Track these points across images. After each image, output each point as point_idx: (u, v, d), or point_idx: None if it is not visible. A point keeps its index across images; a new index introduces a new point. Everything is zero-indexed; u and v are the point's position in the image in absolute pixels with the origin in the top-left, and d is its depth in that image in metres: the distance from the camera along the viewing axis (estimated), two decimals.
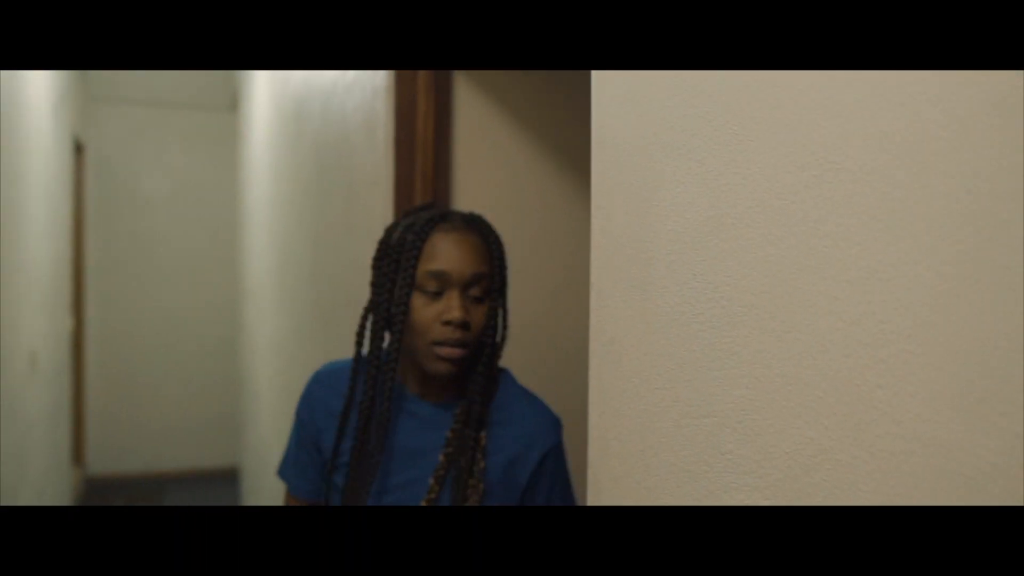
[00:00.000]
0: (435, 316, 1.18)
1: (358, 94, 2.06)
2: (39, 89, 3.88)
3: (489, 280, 1.22)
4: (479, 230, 1.25)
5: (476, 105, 1.79)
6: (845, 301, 0.57)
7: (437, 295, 1.19)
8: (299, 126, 3.07)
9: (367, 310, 1.28)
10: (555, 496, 1.29)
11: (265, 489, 3.82)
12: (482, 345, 1.24)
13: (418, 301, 1.19)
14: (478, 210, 1.85)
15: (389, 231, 1.26)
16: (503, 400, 1.30)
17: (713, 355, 0.71)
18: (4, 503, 2.94)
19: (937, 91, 0.50)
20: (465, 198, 1.80)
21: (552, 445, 1.29)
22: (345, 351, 2.25)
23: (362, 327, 1.28)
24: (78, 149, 5.52)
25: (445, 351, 1.18)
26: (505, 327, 1.28)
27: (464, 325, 1.19)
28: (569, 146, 1.89)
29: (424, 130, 1.73)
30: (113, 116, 6.06)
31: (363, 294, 2.05)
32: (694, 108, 0.73)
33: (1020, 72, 0.45)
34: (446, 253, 1.19)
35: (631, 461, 0.84)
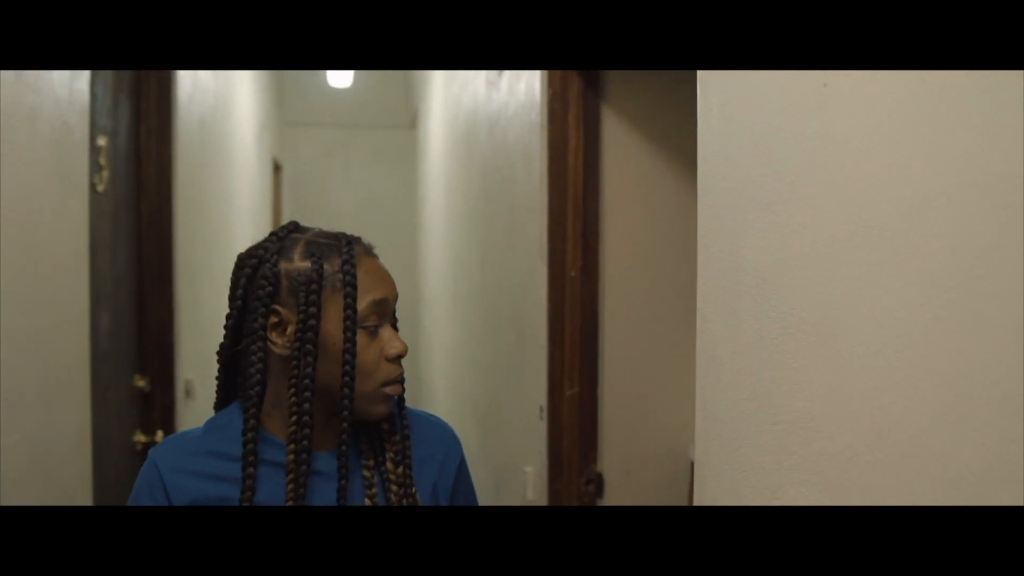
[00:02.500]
0: (379, 353, 1.04)
1: (517, 127, 2.28)
2: (246, 119, 4.40)
3: None
4: (374, 252, 1.11)
5: (622, 138, 1.97)
6: (870, 334, 0.72)
7: (375, 330, 1.04)
8: (469, 149, 3.35)
9: (258, 360, 1.03)
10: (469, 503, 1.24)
11: None
12: None
13: (360, 340, 1.02)
14: (625, 236, 2.03)
15: (258, 258, 1.04)
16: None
17: (782, 373, 0.86)
18: None
19: (933, 173, 0.65)
20: (613, 226, 1.98)
21: (460, 458, 1.21)
22: (507, 366, 2.48)
23: (258, 383, 1.03)
24: (276, 168, 6.12)
25: (396, 388, 1.06)
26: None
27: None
28: None
29: (575, 163, 1.93)
30: (305, 138, 6.66)
31: (522, 314, 2.28)
32: (772, 168, 0.88)
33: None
34: (384, 279, 1.06)
35: (726, 459, 1.00)
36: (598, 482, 2.01)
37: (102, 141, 2.09)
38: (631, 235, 1.97)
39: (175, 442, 1.08)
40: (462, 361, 3.57)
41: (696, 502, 1.12)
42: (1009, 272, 0.58)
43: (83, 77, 1.72)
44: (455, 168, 3.85)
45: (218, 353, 1.09)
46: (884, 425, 0.71)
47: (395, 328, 1.08)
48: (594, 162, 1.96)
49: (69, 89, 1.63)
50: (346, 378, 1.01)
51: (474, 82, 3.14)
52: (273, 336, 1.03)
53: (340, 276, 1.01)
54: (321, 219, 5.63)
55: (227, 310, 1.05)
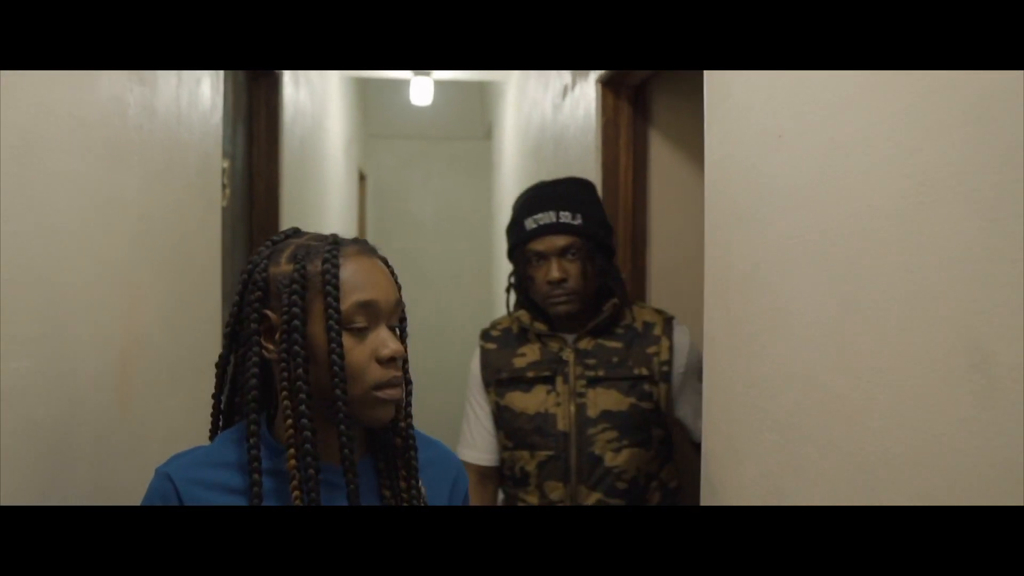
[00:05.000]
0: (369, 355, 1.01)
1: (576, 148, 2.61)
2: (336, 134, 4.82)
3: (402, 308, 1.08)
4: (377, 253, 1.09)
5: (667, 158, 2.27)
6: (811, 316, 1.02)
7: (364, 332, 1.01)
8: (537, 163, 3.67)
9: (253, 365, 1.03)
10: None
11: None
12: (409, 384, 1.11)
13: (347, 342, 0.99)
14: (669, 242, 2.33)
15: (260, 264, 1.05)
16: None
17: (753, 347, 1.16)
18: None
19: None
20: (658, 233, 2.28)
21: (467, 486, 1.22)
22: None
23: (254, 388, 1.03)
24: (361, 178, 6.55)
25: (388, 393, 1.02)
26: (406, 361, 1.10)
27: (404, 359, 1.05)
28: None
29: (625, 180, 2.24)
30: (387, 149, 7.11)
31: None
32: (747, 194, 1.18)
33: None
34: (373, 280, 1.03)
35: (720, 407, 1.30)
36: None
37: (225, 164, 2.47)
38: (674, 241, 2.26)
39: (186, 457, 1.05)
40: None
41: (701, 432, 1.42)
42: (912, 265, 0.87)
43: (217, 114, 2.10)
44: (526, 180, 4.18)
45: (217, 364, 1.09)
46: (816, 387, 1.00)
47: (398, 332, 1.06)
48: (642, 179, 2.27)
49: (207, 123, 2.01)
50: (335, 380, 0.98)
51: (542, 103, 3.46)
52: (264, 341, 1.03)
53: (322, 277, 1.00)
54: (401, 227, 6.07)
55: None
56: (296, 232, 1.09)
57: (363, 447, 1.10)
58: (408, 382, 1.10)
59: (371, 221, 6.98)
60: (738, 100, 1.22)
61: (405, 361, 1.08)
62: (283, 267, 1.03)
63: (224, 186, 2.47)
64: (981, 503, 0.72)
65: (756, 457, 1.17)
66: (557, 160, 3.06)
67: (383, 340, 1.02)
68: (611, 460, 1.80)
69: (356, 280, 1.01)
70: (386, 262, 1.08)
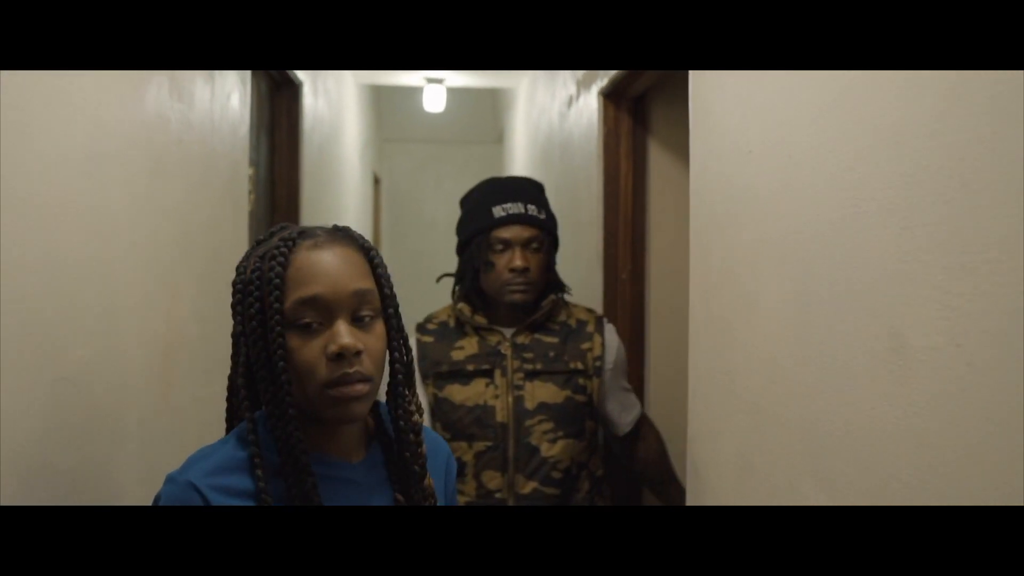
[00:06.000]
0: (319, 353, 0.95)
1: (580, 155, 2.76)
2: (352, 139, 4.98)
3: (380, 299, 1.01)
4: (350, 240, 1.03)
5: (665, 166, 2.42)
6: (769, 310, 1.16)
7: (316, 328, 0.96)
8: (545, 168, 3.82)
9: (235, 372, 1.03)
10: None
11: None
12: (393, 375, 1.05)
13: (294, 340, 0.95)
14: (666, 246, 2.47)
15: (241, 266, 1.03)
16: None
17: (726, 337, 1.31)
18: None
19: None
20: (656, 238, 2.42)
21: (455, 471, 1.23)
22: None
23: (237, 394, 1.02)
24: (376, 182, 6.72)
25: (340, 391, 0.95)
26: (408, 351, 1.06)
27: (358, 354, 0.96)
28: None
29: (625, 187, 2.39)
30: (401, 153, 7.29)
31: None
32: (722, 203, 1.33)
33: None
34: (318, 274, 0.97)
35: (704, 383, 1.44)
36: None
37: (250, 171, 2.64)
38: (671, 245, 2.41)
39: (201, 463, 0.99)
40: None
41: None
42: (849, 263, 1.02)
43: (245, 125, 2.26)
44: None
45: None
46: (778, 372, 1.15)
47: (361, 324, 0.98)
48: (641, 185, 2.41)
49: (236, 135, 2.17)
50: (279, 381, 0.95)
51: (550, 111, 3.61)
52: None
53: (266, 276, 0.97)
54: (415, 228, 6.28)
55: None
56: (282, 228, 1.05)
57: (364, 440, 1.08)
58: (398, 373, 1.04)
59: (386, 222, 7.15)
60: (717, 119, 1.37)
61: (399, 351, 1.04)
62: (242, 267, 1.03)
63: (250, 192, 2.63)
64: (897, 462, 0.86)
65: (731, 436, 1.31)
66: (564, 165, 3.21)
67: (333, 335, 0.96)
68: (547, 451, 1.88)
69: (300, 276, 0.97)
70: (366, 249, 1.03)
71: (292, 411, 0.96)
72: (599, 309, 2.49)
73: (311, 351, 0.95)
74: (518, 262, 1.88)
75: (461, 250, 2.02)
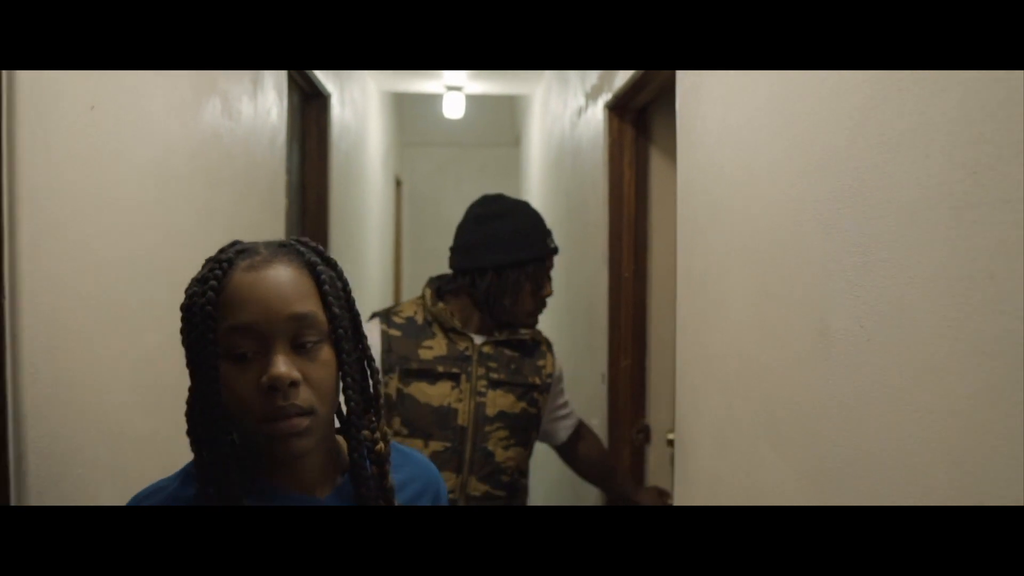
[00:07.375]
0: (253, 384, 0.87)
1: (588, 162, 2.97)
2: (375, 144, 5.21)
3: (327, 321, 0.92)
4: (294, 257, 0.93)
5: (666, 173, 2.62)
6: (739, 304, 1.37)
7: (252, 358, 0.87)
8: (558, 173, 4.03)
9: (188, 402, 0.94)
10: None
11: None
12: (347, 402, 0.95)
13: (229, 371, 0.87)
14: (667, 247, 2.66)
15: (187, 289, 0.93)
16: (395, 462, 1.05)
17: (704, 331, 1.51)
18: None
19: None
20: (658, 239, 2.63)
21: (446, 496, 1.14)
22: (582, 345, 3.14)
23: (195, 421, 0.92)
24: (397, 184, 6.95)
25: (279, 426, 0.87)
26: (375, 374, 0.99)
27: (294, 384, 0.87)
28: None
29: (628, 192, 2.59)
30: (421, 157, 7.53)
31: (591, 306, 2.95)
32: (700, 211, 1.53)
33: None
34: (249, 299, 0.88)
35: (689, 368, 1.65)
36: (646, 432, 2.65)
37: (284, 177, 2.87)
38: (672, 246, 2.61)
39: (149, 501, 0.93)
40: (571, 369, 4.27)
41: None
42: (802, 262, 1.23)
43: (281, 136, 2.49)
44: (548, 187, 4.55)
45: None
46: (746, 358, 1.36)
47: (303, 351, 0.89)
48: (643, 191, 2.62)
49: (274, 146, 2.40)
50: (215, 412, 0.88)
51: (562, 119, 3.82)
52: None
53: (198, 303, 0.89)
54: (434, 229, 6.54)
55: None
56: (232, 245, 0.95)
57: (330, 473, 0.99)
58: (351, 401, 0.95)
59: (407, 224, 7.39)
60: (698, 136, 1.57)
61: (352, 376, 0.93)
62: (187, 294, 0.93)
63: (284, 198, 2.86)
64: (822, 428, 1.06)
65: (709, 415, 1.52)
66: (575, 170, 3.42)
67: (266, 365, 0.87)
68: (500, 456, 1.98)
69: (232, 302, 0.88)
70: (311, 265, 0.93)
71: (227, 449, 0.90)
72: (604, 304, 2.70)
73: (246, 383, 0.87)
74: (550, 290, 2.07)
75: (505, 268, 2.02)
